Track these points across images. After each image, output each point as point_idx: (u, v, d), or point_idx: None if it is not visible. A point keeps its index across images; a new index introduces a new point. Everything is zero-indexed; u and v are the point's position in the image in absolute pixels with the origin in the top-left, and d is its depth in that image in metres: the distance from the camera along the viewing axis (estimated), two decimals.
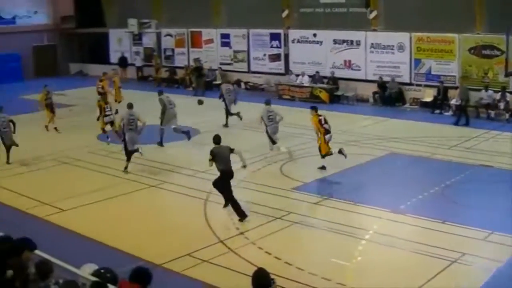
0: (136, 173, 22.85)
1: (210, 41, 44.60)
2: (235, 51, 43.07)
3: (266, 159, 24.12)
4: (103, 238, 16.70)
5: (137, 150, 23.38)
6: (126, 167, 23.34)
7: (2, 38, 47.94)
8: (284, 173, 22.45)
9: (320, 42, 38.54)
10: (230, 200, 18.28)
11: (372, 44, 36.42)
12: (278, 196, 19.89)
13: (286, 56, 40.37)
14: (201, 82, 41.96)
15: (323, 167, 22.79)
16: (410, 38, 34.86)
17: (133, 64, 48.85)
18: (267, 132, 24.94)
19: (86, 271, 10.50)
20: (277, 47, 40.81)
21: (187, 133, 27.44)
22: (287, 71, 39.85)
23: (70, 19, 53.76)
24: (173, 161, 24.41)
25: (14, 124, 25.62)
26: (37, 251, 10.34)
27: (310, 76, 38.11)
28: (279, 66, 40.81)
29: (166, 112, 27.57)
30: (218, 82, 41.40)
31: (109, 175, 23.12)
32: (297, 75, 38.63)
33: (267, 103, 25.86)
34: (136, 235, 17.15)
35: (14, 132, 25.54)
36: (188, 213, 18.90)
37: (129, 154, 23.47)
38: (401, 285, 13.58)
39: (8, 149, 25.19)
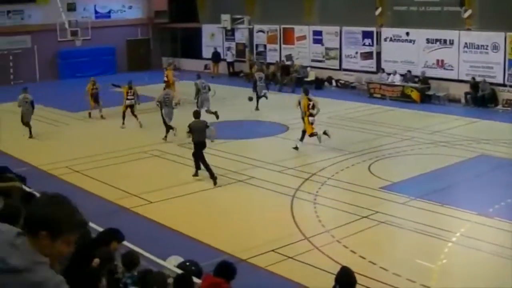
0: (224, 167, 23.03)
1: (303, 37, 44.63)
2: (327, 48, 42.99)
3: (355, 157, 24.05)
4: (189, 231, 16.98)
5: (171, 128, 27.53)
6: (165, 136, 27.51)
7: (97, 32, 49.07)
8: (372, 172, 22.34)
9: (412, 41, 38.16)
10: (203, 168, 21.46)
11: (465, 43, 35.83)
12: (365, 195, 19.81)
13: (378, 54, 40.10)
14: (288, 79, 41.99)
15: (296, 148, 25.18)
16: (505, 38, 34.17)
17: (225, 60, 49.27)
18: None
19: (172, 263, 10.75)
20: (369, 45, 40.58)
21: (215, 113, 29.80)
22: (379, 69, 39.60)
23: (163, 13, 54.60)
24: (262, 157, 24.51)
25: (33, 105, 29.59)
26: (124, 242, 10.64)
27: (401, 75, 37.77)
28: (370, 64, 40.58)
29: (200, 96, 31.00)
30: (309, 79, 41.57)
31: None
32: (389, 74, 38.34)
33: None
34: (222, 229, 17.41)
35: (32, 113, 29.50)
36: (274, 209, 18.98)
37: (167, 126, 27.52)
38: None
39: (27, 125, 29.15)
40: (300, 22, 44.49)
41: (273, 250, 15.50)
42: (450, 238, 16.34)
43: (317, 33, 43.50)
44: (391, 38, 39.36)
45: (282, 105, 33.24)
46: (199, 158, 21.43)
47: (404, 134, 27.17)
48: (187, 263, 10.73)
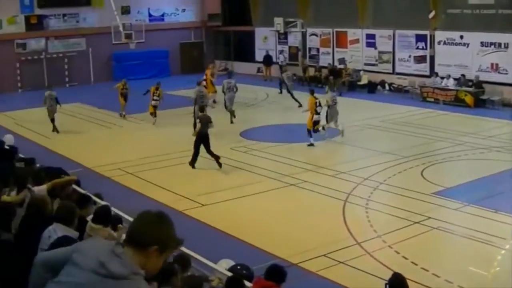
0: (277, 171, 23.10)
1: (356, 41, 44.47)
2: (380, 52, 42.77)
3: (408, 162, 23.89)
4: (240, 234, 17.05)
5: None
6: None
7: (151, 35, 49.52)
8: (425, 177, 22.17)
9: (466, 44, 37.71)
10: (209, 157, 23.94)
11: None
12: (418, 200, 19.68)
13: (432, 58, 39.76)
14: (337, 82, 41.75)
15: (311, 144, 26.85)
16: None
17: (277, 63, 49.28)
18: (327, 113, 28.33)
19: (223, 266, 10.81)
20: (422, 48, 40.24)
21: (232, 112, 32.42)
22: (432, 73, 39.24)
23: (216, 16, 54.77)
24: (315, 161, 24.51)
25: (58, 101, 31.08)
26: None
27: (455, 79, 37.38)
28: (424, 68, 40.23)
29: (226, 95, 32.82)
30: (362, 83, 41.48)
31: (249, 172, 23.45)
32: (442, 78, 37.96)
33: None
34: (273, 233, 17.43)
35: (56, 109, 31.13)
36: (326, 213, 18.97)
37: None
38: None
39: (52, 121, 30.96)
40: (353, 25, 44.30)
41: (324, 255, 15.49)
42: (503, 245, 16.16)
43: (370, 36, 43.27)
44: (444, 41, 38.98)
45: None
46: (205, 147, 23.81)
47: (457, 139, 26.92)
48: (238, 267, 10.78)
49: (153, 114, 32.48)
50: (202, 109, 25.66)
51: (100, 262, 4.01)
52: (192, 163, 23.87)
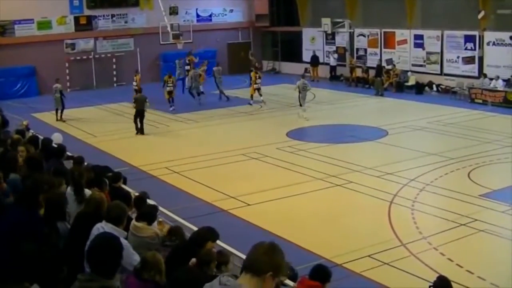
0: (323, 171, 23.07)
1: (403, 41, 44.15)
2: (428, 53, 42.42)
3: (455, 163, 23.68)
4: (285, 234, 16.96)
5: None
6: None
7: (199, 35, 49.68)
8: (472, 179, 21.96)
9: None
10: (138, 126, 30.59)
11: None
12: (464, 202, 19.49)
13: (480, 59, 39.34)
14: (379, 82, 41.44)
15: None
16: None
17: (325, 63, 49.18)
18: (299, 97, 33.08)
19: None
20: (471, 49, 39.82)
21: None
22: (481, 74, 38.81)
23: (264, 17, 54.86)
24: (361, 161, 24.38)
25: (62, 93, 34.76)
26: (221, 243, 10.77)
27: (504, 80, 36.95)
28: (472, 69, 39.81)
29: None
30: (409, 83, 41.25)
31: (295, 172, 23.38)
32: (491, 79, 37.54)
33: (303, 76, 35.18)
34: (318, 233, 17.42)
35: (61, 99, 34.49)
36: (372, 214, 18.90)
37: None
38: None
39: (58, 111, 34.47)
40: (401, 26, 44.01)
41: (369, 256, 15.45)
42: None
43: (418, 37, 42.91)
44: (494, 42, 38.53)
45: (380, 110, 33.05)
46: (140, 120, 30.49)
47: (506, 141, 26.60)
48: None
49: (169, 100, 36.67)
50: (139, 90, 32.96)
51: None
52: (137, 133, 30.44)
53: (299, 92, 32.98)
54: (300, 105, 32.98)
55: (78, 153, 17.29)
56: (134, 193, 13.19)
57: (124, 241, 8.13)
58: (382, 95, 39.80)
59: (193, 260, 8.79)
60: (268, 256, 4.96)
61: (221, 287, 5.02)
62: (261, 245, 5.05)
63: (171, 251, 9.31)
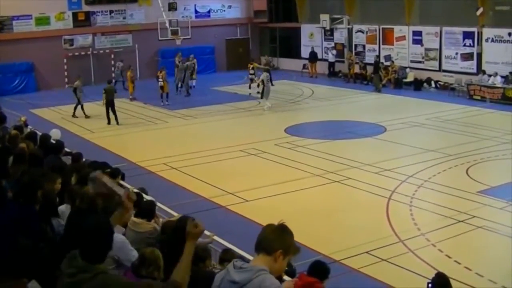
0: (321, 167, 23.07)
1: (402, 38, 44.12)
2: (426, 49, 42.41)
3: (453, 160, 23.69)
4: None
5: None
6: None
7: (197, 31, 49.66)
8: (470, 175, 21.96)
9: None
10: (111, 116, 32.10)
11: None
12: (463, 198, 19.47)
13: (479, 55, 39.32)
14: (377, 78, 41.35)
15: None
16: None
17: (323, 60, 49.16)
18: (263, 90, 34.88)
19: None
20: (470, 46, 39.80)
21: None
22: (479, 70, 38.80)
23: (262, 13, 54.89)
24: (359, 158, 24.35)
25: (76, 90, 34.49)
26: (219, 239, 10.76)
27: (503, 77, 36.93)
28: (471, 65, 39.79)
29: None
30: (408, 80, 41.25)
31: (294, 168, 23.36)
32: (490, 75, 37.52)
33: (267, 71, 37.31)
34: (316, 230, 17.37)
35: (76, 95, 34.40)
36: (370, 210, 18.88)
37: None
38: None
39: (76, 106, 34.46)
40: (400, 22, 43.99)
41: (367, 252, 15.44)
42: None
43: (417, 33, 42.88)
44: (492, 38, 38.49)
45: (379, 106, 33.05)
46: (112, 109, 31.91)
47: (504, 137, 26.60)
48: None
49: (161, 95, 37.60)
50: (109, 81, 35.42)
51: (232, 282, 5.17)
52: (108, 122, 31.96)
53: (264, 85, 34.53)
54: (262, 97, 34.91)
55: (77, 149, 17.29)
56: (132, 189, 13.17)
57: (121, 237, 8.12)
58: (380, 91, 39.80)
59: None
60: (276, 234, 5.28)
61: (238, 270, 5.18)
62: (270, 226, 5.41)
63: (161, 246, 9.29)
